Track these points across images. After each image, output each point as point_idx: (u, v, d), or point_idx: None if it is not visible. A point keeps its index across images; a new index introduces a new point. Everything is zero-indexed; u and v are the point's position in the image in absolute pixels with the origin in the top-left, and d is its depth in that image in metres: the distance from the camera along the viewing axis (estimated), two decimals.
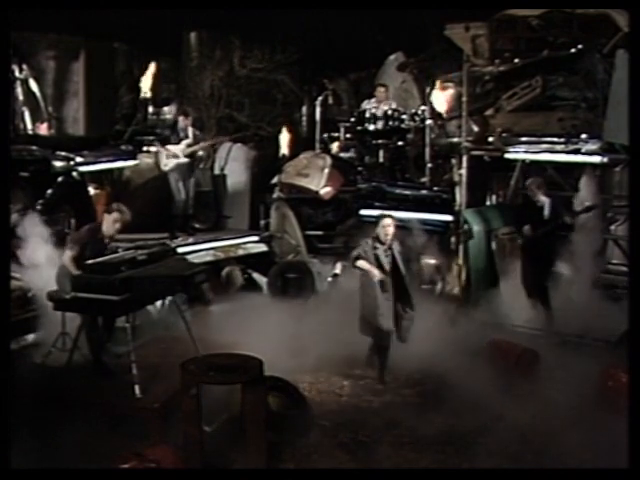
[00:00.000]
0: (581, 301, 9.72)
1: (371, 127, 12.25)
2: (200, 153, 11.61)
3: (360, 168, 12.32)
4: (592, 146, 10.16)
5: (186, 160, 11.11)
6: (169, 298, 8.61)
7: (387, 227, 8.22)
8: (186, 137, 11.09)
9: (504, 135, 11.11)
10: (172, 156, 11.01)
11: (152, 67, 12.25)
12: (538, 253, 9.45)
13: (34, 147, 10.38)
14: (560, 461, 6.10)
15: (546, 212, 9.44)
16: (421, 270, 10.60)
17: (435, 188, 11.69)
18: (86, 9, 10.62)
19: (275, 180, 12.10)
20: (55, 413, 6.60)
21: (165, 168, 11.08)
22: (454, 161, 11.58)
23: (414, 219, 10.59)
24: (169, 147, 11.03)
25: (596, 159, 10.12)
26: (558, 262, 9.76)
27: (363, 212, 11.26)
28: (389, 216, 8.42)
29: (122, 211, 7.61)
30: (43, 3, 9.62)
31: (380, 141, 12.31)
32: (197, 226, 11.70)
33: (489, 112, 11.65)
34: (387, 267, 8.15)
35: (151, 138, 12.04)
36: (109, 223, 7.51)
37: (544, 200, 9.45)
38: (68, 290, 7.10)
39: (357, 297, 8.25)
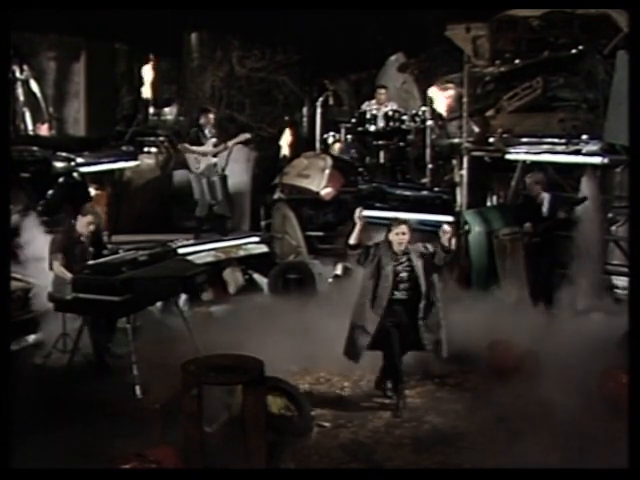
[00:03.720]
0: (582, 301, 9.74)
1: (372, 128, 12.25)
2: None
3: (361, 169, 12.30)
4: (593, 147, 10.15)
5: (215, 160, 11.11)
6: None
7: (402, 235, 7.23)
8: (212, 136, 11.10)
9: (505, 136, 11.10)
10: (202, 156, 11.01)
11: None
12: (540, 251, 9.46)
13: (35, 148, 10.39)
14: (560, 461, 6.09)
15: (545, 209, 9.46)
16: None
17: (436, 189, 11.67)
18: (86, 9, 10.63)
19: (276, 181, 12.09)
20: (55, 414, 6.61)
21: (197, 170, 11.07)
22: (455, 162, 11.59)
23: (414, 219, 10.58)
24: (195, 148, 11.04)
25: (597, 160, 10.11)
26: (560, 261, 9.79)
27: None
28: (405, 222, 7.36)
29: (95, 213, 7.92)
30: (43, 3, 9.64)
31: (381, 142, 12.29)
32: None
33: (490, 113, 11.64)
34: (391, 278, 7.18)
35: (161, 139, 12.07)
36: (83, 224, 7.65)
37: (544, 196, 9.47)
38: (69, 294, 7.13)
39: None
